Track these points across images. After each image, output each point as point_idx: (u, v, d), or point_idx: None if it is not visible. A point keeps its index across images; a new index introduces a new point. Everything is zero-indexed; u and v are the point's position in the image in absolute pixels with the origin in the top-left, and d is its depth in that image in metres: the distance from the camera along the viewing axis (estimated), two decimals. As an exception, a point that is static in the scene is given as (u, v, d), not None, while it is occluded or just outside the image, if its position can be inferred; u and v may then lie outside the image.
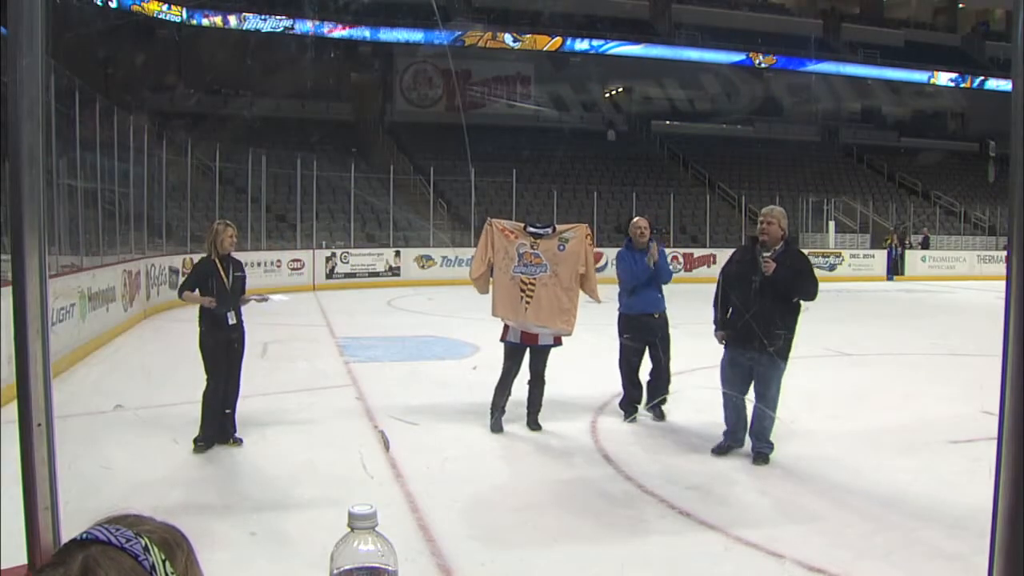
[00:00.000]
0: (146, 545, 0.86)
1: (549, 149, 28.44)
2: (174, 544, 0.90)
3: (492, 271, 5.91)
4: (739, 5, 33.13)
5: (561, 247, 5.78)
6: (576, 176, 28.19)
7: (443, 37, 28.51)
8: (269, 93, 25.64)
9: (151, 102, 23.33)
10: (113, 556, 0.84)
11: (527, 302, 5.72)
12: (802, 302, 5.09)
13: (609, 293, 6.38)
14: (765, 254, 5.00)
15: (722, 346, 5.36)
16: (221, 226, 5.56)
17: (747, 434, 5.25)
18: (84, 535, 0.87)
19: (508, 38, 28.41)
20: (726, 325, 5.28)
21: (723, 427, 5.44)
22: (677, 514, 4.25)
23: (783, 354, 5.03)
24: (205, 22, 24.85)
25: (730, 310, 5.29)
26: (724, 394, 5.32)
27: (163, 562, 0.86)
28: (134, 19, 23.33)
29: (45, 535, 1.31)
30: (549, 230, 5.86)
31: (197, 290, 5.47)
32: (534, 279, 5.74)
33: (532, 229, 5.86)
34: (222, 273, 5.48)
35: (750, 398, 5.26)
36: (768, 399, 5.09)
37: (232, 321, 5.50)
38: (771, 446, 5.14)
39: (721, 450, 5.32)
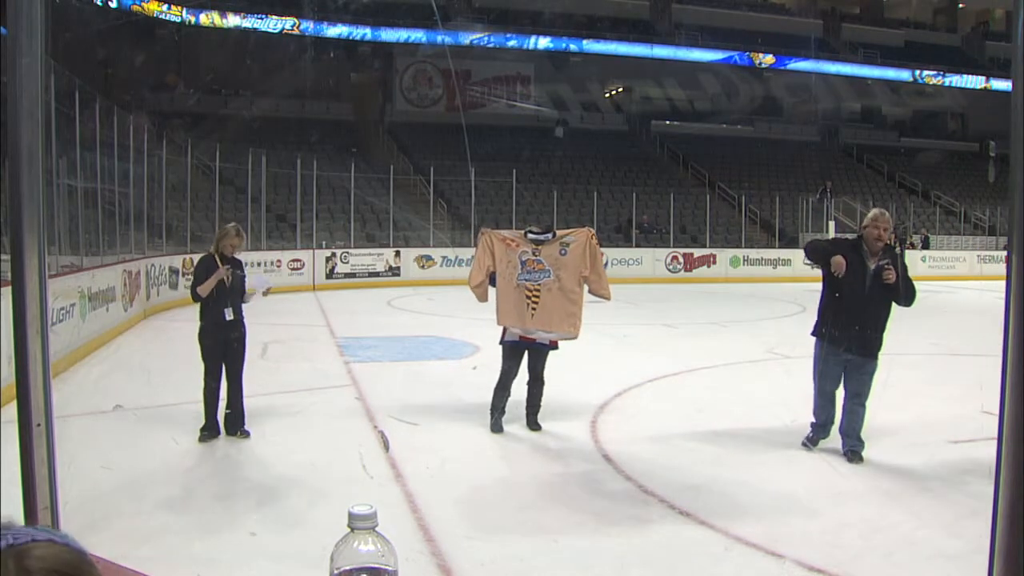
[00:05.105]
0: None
1: (549, 149, 28.44)
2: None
3: (492, 280, 5.90)
4: (739, 5, 33.11)
5: (563, 252, 5.76)
6: (576, 176, 28.19)
7: (447, 37, 28.50)
8: (269, 93, 25.62)
9: (151, 102, 23.34)
10: (44, 547, 0.78)
11: (533, 309, 5.71)
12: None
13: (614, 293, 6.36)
14: (883, 261, 5.07)
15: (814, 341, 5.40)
16: (233, 229, 5.66)
17: (839, 432, 5.31)
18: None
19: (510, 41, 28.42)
20: (825, 323, 5.30)
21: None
22: (677, 514, 4.25)
23: (877, 353, 5.17)
24: (204, 20, 24.82)
25: (823, 304, 5.36)
26: (817, 388, 5.38)
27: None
28: (134, 19, 23.31)
29: (45, 535, 1.31)
30: (549, 235, 5.84)
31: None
32: (539, 285, 5.72)
33: (533, 236, 5.83)
34: (222, 270, 5.54)
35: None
36: (863, 397, 5.20)
37: (230, 318, 5.54)
38: (863, 443, 5.21)
39: (812, 442, 5.42)
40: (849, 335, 5.12)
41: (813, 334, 5.41)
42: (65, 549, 0.79)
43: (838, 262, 5.10)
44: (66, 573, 0.77)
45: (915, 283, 5.27)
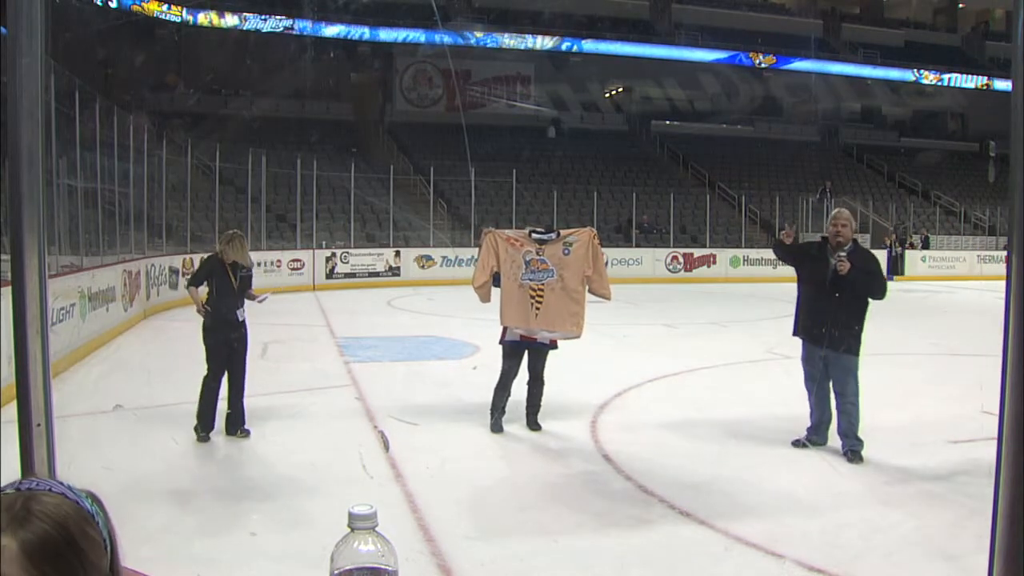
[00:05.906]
0: (85, 495, 0.85)
1: (549, 149, 28.43)
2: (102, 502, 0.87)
3: (496, 280, 5.90)
4: (739, 5, 33.09)
5: (566, 251, 5.78)
6: (576, 176, 28.18)
7: (448, 37, 28.50)
8: (269, 93, 25.61)
9: (151, 102, 23.33)
10: (50, 496, 0.83)
11: (537, 309, 5.72)
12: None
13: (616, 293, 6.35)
14: (840, 253, 5.14)
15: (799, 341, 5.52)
16: (237, 237, 5.74)
17: (837, 433, 5.30)
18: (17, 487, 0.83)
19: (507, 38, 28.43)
20: (799, 322, 5.44)
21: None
22: (677, 514, 4.25)
23: (855, 350, 5.20)
24: (203, 20, 24.81)
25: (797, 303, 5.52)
26: (808, 389, 5.42)
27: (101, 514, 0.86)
28: (134, 19, 23.30)
29: (45, 535, 1.31)
30: (553, 235, 5.86)
31: (202, 288, 5.70)
32: (542, 285, 5.74)
33: (537, 236, 5.85)
34: (229, 272, 5.59)
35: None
36: (848, 395, 5.20)
37: (242, 318, 5.58)
38: (861, 443, 5.18)
39: (801, 444, 5.42)
40: (821, 332, 5.21)
41: (793, 335, 5.52)
42: (72, 506, 0.83)
43: (785, 232, 5.49)
44: (61, 524, 0.80)
45: (886, 279, 5.42)
